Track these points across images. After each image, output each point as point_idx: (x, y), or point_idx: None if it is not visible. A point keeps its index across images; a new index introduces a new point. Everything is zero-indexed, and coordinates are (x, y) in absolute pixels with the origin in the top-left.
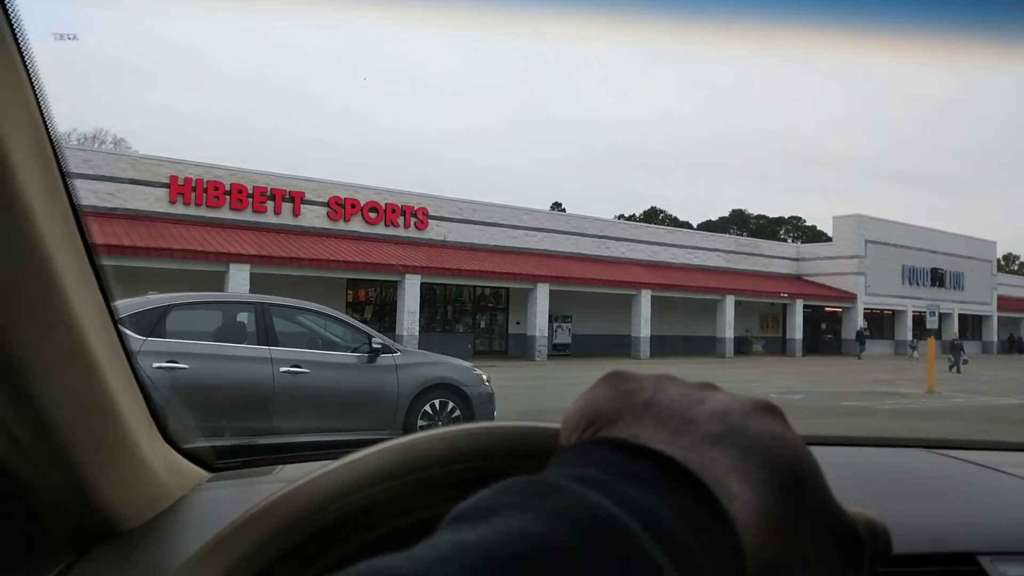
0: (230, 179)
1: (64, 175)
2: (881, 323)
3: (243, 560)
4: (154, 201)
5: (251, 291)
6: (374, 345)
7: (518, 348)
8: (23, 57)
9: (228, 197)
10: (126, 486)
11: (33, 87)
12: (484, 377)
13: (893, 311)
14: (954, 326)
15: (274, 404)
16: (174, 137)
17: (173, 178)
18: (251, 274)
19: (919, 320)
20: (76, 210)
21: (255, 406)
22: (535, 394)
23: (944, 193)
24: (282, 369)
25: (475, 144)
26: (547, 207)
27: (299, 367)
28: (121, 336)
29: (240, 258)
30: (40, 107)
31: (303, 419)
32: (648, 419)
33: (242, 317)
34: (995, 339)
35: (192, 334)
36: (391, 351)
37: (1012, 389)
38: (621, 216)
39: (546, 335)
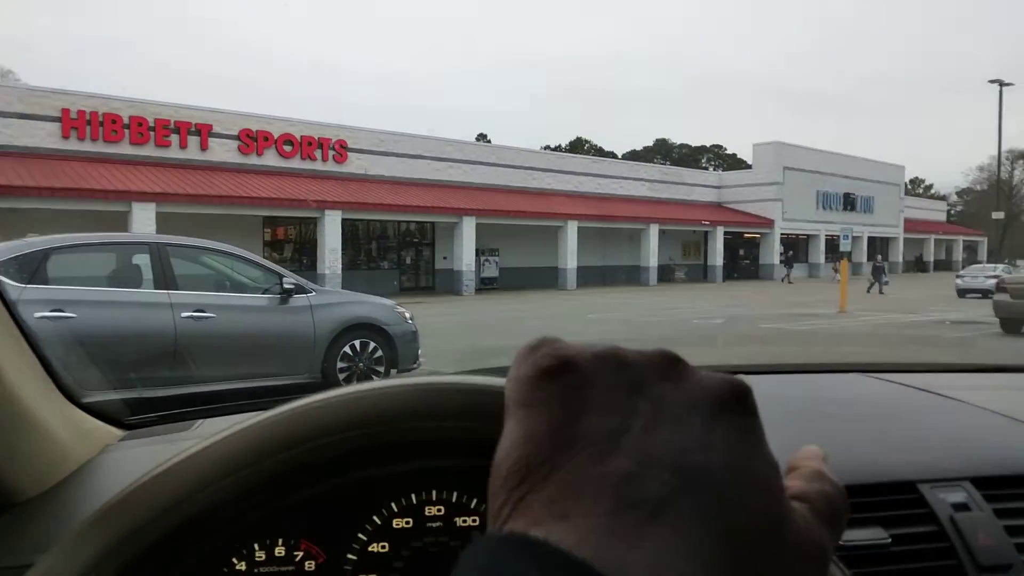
0: (128, 111)
1: None
2: (796, 247)
3: (134, 533)
4: (45, 137)
5: (158, 232)
6: (285, 285)
7: (445, 283)
8: None
9: (127, 131)
10: (20, 453)
11: None
12: (407, 315)
13: (808, 235)
14: (864, 248)
15: (177, 352)
16: (66, 66)
17: (65, 111)
18: (156, 213)
19: (831, 244)
20: None
21: (155, 356)
22: (464, 329)
23: (856, 119)
24: (184, 315)
25: (399, 78)
26: (473, 139)
27: (203, 312)
28: (6, 302)
29: (144, 196)
30: None
31: (210, 367)
32: (589, 474)
33: (139, 260)
34: (901, 259)
35: (82, 280)
36: (305, 291)
37: (917, 307)
38: (547, 147)
39: (473, 269)
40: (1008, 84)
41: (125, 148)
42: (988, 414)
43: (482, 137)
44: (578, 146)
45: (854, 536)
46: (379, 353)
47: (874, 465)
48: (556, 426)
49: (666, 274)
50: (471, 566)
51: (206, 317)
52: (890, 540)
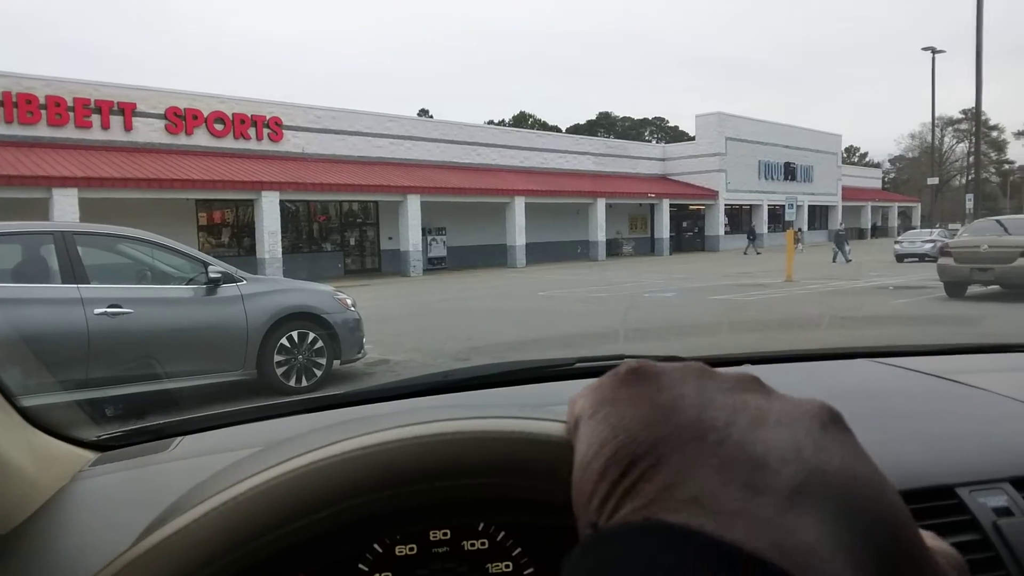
0: (44, 90)
1: None
2: (739, 218)
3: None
4: None
5: (81, 220)
6: (211, 274)
7: (392, 264)
8: None
9: (44, 112)
10: None
11: None
12: (349, 302)
13: (751, 206)
14: (805, 217)
15: (91, 353)
16: None
17: None
18: (79, 200)
19: (774, 213)
20: None
21: (66, 359)
22: (412, 312)
23: (792, 89)
24: (97, 311)
25: (336, 52)
26: (415, 114)
27: (119, 307)
28: None
29: (65, 182)
30: None
31: (131, 367)
32: (705, 461)
33: (46, 251)
34: (838, 227)
35: None
36: (234, 280)
37: (859, 273)
38: (490, 122)
39: (420, 249)
40: (940, 51)
41: (42, 130)
42: (1016, 404)
43: (424, 113)
44: (522, 120)
45: None
46: (319, 344)
47: (905, 468)
48: (650, 420)
49: (614, 248)
50: (605, 559)
51: (123, 313)
52: None
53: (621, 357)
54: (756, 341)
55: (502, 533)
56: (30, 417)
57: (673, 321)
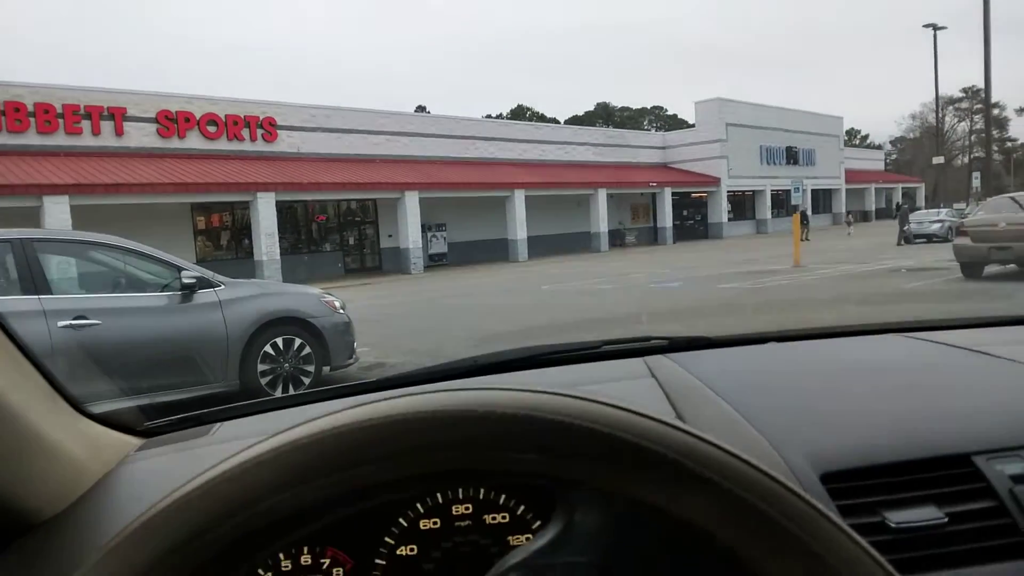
0: (32, 97)
1: None
2: (743, 204)
3: (178, 548)
4: None
5: (74, 227)
6: (185, 280)
7: (392, 262)
8: None
9: (33, 119)
10: (34, 473)
11: None
12: (337, 304)
13: (753, 191)
14: (809, 201)
15: (57, 369)
16: None
17: None
18: (71, 207)
19: (777, 198)
20: None
21: None
22: (410, 311)
23: (791, 72)
24: (61, 323)
25: (333, 49)
26: (412, 111)
27: (85, 318)
28: None
29: (55, 189)
30: None
31: (102, 383)
32: None
33: (2, 261)
34: (844, 211)
35: None
36: (211, 284)
37: (868, 256)
38: (488, 116)
39: (420, 246)
40: (942, 28)
41: (32, 138)
42: None
43: (421, 109)
44: (519, 114)
45: (907, 517)
46: (307, 350)
47: (923, 437)
48: None
49: (617, 239)
50: None
51: (89, 324)
52: (946, 519)
53: (648, 339)
54: (780, 321)
55: (522, 507)
56: (78, 406)
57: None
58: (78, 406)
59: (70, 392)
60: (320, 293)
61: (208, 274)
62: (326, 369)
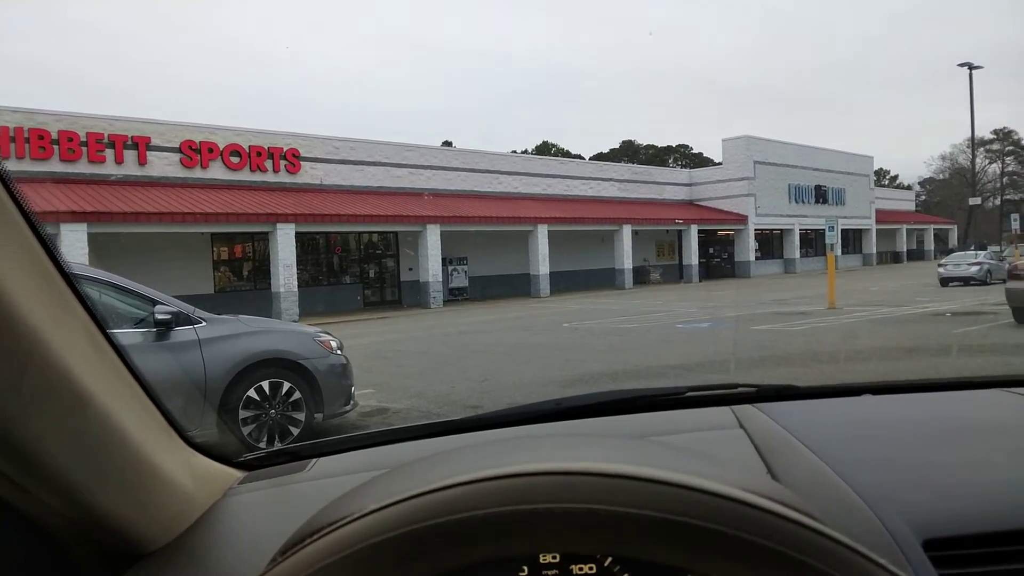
0: (57, 126)
1: (14, 197)
2: (771, 243)
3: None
4: None
5: (91, 256)
6: (159, 315)
7: (412, 296)
8: None
9: (56, 147)
10: (148, 504)
11: None
12: (334, 344)
13: (781, 230)
14: (839, 241)
15: None
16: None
17: None
18: (88, 235)
19: (805, 238)
20: (34, 228)
21: None
22: (424, 348)
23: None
24: None
25: (359, 86)
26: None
27: None
28: (119, 350)
29: (74, 217)
30: None
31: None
32: None
33: None
34: (874, 251)
35: None
36: (191, 321)
37: (905, 298)
38: (513, 151)
39: (440, 280)
40: (978, 67)
41: (55, 165)
42: None
43: (446, 144)
44: (544, 150)
45: None
46: (296, 395)
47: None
48: None
49: (641, 276)
50: None
51: None
52: None
53: (734, 386)
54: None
55: (609, 559)
56: (189, 440)
57: (715, 355)
58: (186, 437)
59: (180, 423)
60: (315, 332)
61: (188, 309)
62: (319, 417)
